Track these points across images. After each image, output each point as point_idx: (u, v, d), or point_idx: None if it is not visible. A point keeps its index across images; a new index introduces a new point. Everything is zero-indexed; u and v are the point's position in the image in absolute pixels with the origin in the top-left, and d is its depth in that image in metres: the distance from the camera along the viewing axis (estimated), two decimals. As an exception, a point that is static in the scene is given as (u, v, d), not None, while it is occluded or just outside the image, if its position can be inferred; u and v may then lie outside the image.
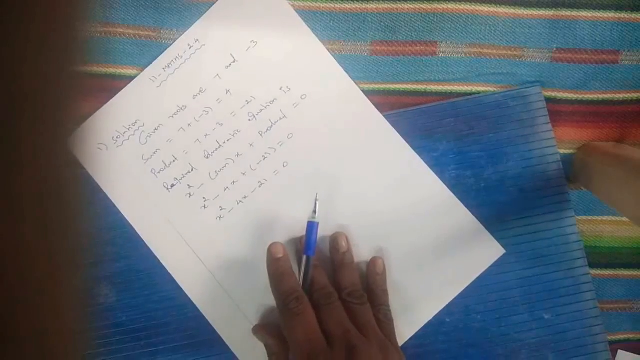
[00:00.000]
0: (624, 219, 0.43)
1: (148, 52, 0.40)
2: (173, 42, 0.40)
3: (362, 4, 0.40)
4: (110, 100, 0.40)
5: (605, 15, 0.41)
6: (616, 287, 0.43)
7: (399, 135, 0.41)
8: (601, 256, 0.43)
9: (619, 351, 0.43)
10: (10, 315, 0.16)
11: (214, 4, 0.40)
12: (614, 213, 0.43)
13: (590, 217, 0.43)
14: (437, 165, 0.41)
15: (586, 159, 0.41)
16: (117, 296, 0.40)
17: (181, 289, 0.40)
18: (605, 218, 0.43)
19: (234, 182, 0.41)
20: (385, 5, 0.41)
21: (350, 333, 0.35)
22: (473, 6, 0.41)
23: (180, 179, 0.41)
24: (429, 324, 0.41)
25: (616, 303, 0.43)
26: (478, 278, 0.41)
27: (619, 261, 0.43)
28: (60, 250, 0.17)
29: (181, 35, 0.40)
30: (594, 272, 0.42)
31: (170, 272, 0.40)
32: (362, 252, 0.41)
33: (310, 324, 0.36)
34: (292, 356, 0.36)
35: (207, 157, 0.41)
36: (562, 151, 0.42)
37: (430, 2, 0.41)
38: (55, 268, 0.17)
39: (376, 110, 0.41)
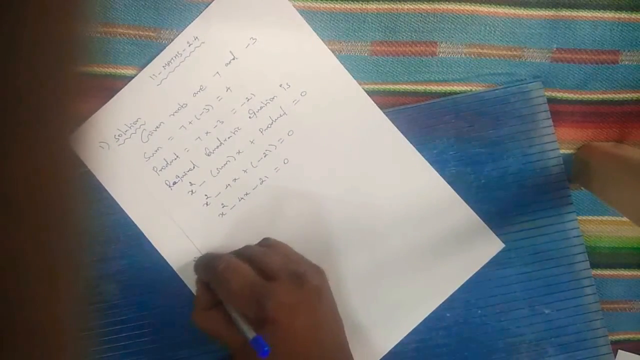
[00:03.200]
0: (624, 219, 0.43)
1: (148, 52, 0.40)
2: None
3: (362, 4, 0.41)
4: (111, 99, 0.40)
5: (605, 15, 0.41)
6: (616, 287, 0.43)
7: (399, 132, 0.41)
8: (601, 256, 0.43)
9: (619, 351, 0.43)
10: (8, 317, 0.16)
11: (213, 2, 0.41)
12: (615, 213, 0.43)
13: (590, 217, 0.43)
14: (438, 162, 0.41)
15: (586, 159, 0.41)
16: (121, 294, 0.40)
17: (185, 285, 0.41)
18: (605, 218, 0.43)
19: (235, 179, 0.41)
20: (385, 6, 0.41)
21: (289, 258, 0.36)
22: (473, 6, 0.41)
23: (182, 177, 0.41)
24: (429, 319, 0.41)
25: (616, 303, 0.43)
26: (478, 273, 0.41)
27: (620, 261, 0.43)
28: (63, 249, 0.17)
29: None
30: (594, 272, 0.42)
31: (174, 269, 0.41)
32: (361, 247, 0.41)
33: (244, 269, 0.34)
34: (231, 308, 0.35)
35: (209, 155, 0.41)
36: (562, 151, 0.42)
37: (430, 2, 0.41)
38: (58, 267, 0.17)
39: (376, 106, 0.41)
